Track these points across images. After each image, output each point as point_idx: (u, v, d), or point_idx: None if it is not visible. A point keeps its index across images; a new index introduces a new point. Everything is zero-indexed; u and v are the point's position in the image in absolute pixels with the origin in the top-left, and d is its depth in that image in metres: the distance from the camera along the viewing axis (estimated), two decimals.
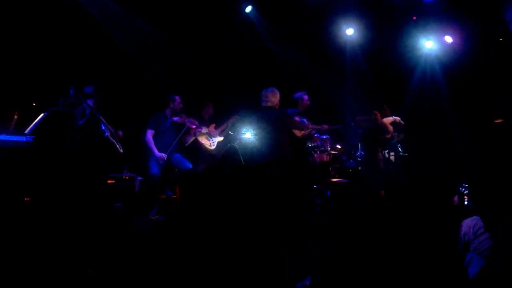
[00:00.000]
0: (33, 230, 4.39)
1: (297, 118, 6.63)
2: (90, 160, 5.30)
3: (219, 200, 1.68)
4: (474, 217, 2.75)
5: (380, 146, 5.81)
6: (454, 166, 7.62)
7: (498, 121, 8.44)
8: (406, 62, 9.00)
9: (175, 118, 6.21)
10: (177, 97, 6.25)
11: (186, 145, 6.53)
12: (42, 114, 4.70)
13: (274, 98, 5.46)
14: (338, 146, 8.02)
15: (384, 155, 6.63)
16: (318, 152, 7.80)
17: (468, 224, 2.80)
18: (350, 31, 8.74)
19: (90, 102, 5.42)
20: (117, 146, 5.70)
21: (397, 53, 8.80)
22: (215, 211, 1.67)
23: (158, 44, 7.28)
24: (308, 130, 6.35)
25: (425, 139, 8.57)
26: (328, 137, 8.21)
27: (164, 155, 5.99)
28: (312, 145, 8.03)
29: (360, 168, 7.56)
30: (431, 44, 9.02)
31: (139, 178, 6.53)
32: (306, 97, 6.72)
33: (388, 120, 6.24)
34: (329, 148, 7.92)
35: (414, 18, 8.61)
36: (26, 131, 4.55)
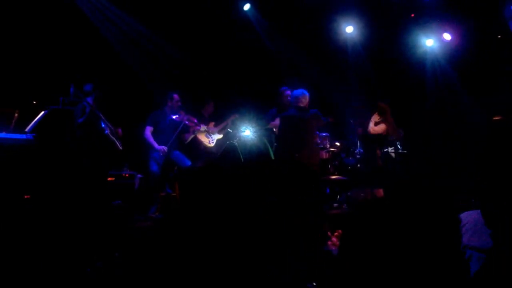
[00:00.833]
0: (33, 228, 4.40)
1: (278, 120, 6.67)
2: (90, 157, 5.32)
3: (219, 198, 1.68)
4: (473, 211, 2.66)
5: (378, 144, 5.83)
6: (455, 165, 7.64)
7: (496, 118, 8.46)
8: (406, 60, 9.02)
9: (174, 116, 6.22)
10: (176, 95, 6.26)
11: (185, 142, 6.55)
12: (42, 112, 4.71)
13: (305, 99, 5.69)
14: (337, 144, 8.03)
15: (383, 152, 6.64)
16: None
17: (467, 217, 2.69)
18: (349, 29, 8.74)
19: (90, 100, 5.44)
20: (117, 143, 5.72)
21: (397, 51, 8.81)
22: (214, 209, 1.67)
23: (157, 43, 7.26)
24: None
25: (426, 137, 8.59)
26: (328, 134, 8.22)
27: (164, 147, 6.01)
28: None
29: (359, 165, 7.58)
30: (431, 42, 9.04)
31: (139, 175, 6.54)
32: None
33: (381, 127, 6.20)
34: (328, 146, 7.94)
35: (412, 15, 8.61)
36: (27, 129, 4.56)
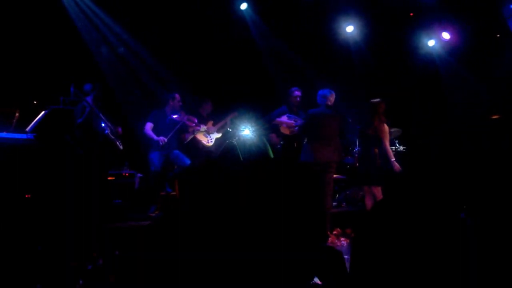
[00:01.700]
0: (33, 226, 4.43)
1: (285, 117, 6.71)
2: (90, 157, 5.34)
3: (218, 197, 1.70)
4: None
5: (376, 143, 5.85)
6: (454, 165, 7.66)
7: (494, 117, 8.49)
8: (405, 60, 9.05)
9: (174, 116, 6.25)
10: (177, 95, 6.29)
11: (185, 142, 6.57)
12: (43, 112, 4.73)
13: (332, 98, 5.86)
14: None
15: (381, 151, 6.65)
16: None
17: None
18: (350, 28, 8.76)
19: (89, 100, 5.47)
20: (117, 143, 5.76)
21: (396, 50, 8.83)
22: (214, 208, 1.69)
23: (155, 42, 7.27)
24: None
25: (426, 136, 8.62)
26: None
27: (163, 138, 6.05)
28: None
29: (357, 164, 7.61)
30: (433, 42, 9.08)
31: (139, 175, 6.57)
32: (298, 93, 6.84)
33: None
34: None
35: (411, 14, 8.63)
36: (27, 129, 4.58)
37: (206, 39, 7.59)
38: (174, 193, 6.36)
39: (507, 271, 1.61)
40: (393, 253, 1.53)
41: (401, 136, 7.68)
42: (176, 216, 1.82)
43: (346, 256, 4.59)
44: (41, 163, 4.58)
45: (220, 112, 7.04)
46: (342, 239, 5.49)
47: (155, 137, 6.06)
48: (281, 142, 6.84)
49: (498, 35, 8.57)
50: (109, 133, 5.66)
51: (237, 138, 6.96)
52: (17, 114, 4.87)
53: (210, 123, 6.86)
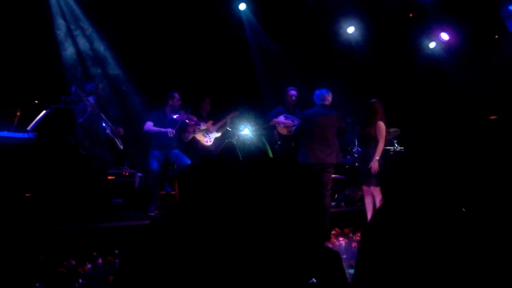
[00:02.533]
0: (34, 225, 4.45)
1: (282, 117, 6.74)
2: (91, 156, 5.37)
3: (218, 196, 1.72)
4: None
5: (374, 142, 5.88)
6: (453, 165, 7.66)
7: (492, 117, 8.51)
8: (405, 60, 9.08)
9: (174, 116, 6.26)
10: (176, 94, 6.30)
11: (186, 141, 6.59)
12: (44, 111, 4.74)
13: (330, 97, 5.77)
14: None
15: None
16: None
17: None
18: (351, 30, 8.79)
19: (91, 99, 5.50)
20: (118, 143, 5.78)
21: (396, 50, 8.86)
22: (213, 207, 1.71)
23: (153, 42, 7.27)
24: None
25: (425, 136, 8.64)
26: None
27: (171, 130, 6.07)
28: None
29: (356, 164, 7.64)
30: (433, 44, 9.13)
31: (139, 174, 6.59)
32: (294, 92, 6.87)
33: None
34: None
35: (411, 15, 8.66)
36: (29, 128, 4.59)
37: (205, 40, 7.60)
38: (174, 192, 6.39)
39: (509, 271, 1.63)
40: (401, 257, 1.56)
41: (400, 136, 7.72)
42: (175, 215, 1.84)
43: (344, 256, 4.63)
44: (42, 162, 4.59)
45: (219, 112, 7.06)
46: (341, 238, 5.53)
47: (162, 129, 6.08)
48: (278, 142, 6.87)
49: (497, 36, 8.60)
50: (110, 133, 5.69)
51: (236, 137, 6.98)
52: (18, 113, 4.88)
53: (210, 122, 6.89)
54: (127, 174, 6.28)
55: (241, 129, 6.88)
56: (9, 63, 5.79)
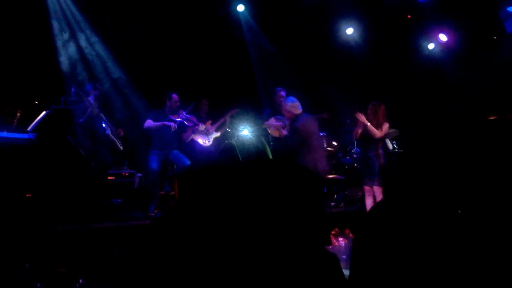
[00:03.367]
0: (34, 225, 4.46)
1: (272, 120, 6.74)
2: (91, 157, 5.38)
3: (217, 197, 1.73)
4: None
5: (374, 143, 5.90)
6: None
7: (492, 118, 8.53)
8: (404, 61, 9.10)
9: (173, 117, 6.27)
10: (174, 95, 6.29)
11: (186, 141, 6.59)
12: (44, 112, 4.76)
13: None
14: (334, 143, 8.11)
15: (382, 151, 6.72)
16: None
17: None
18: (349, 31, 8.80)
19: (91, 100, 5.51)
20: (117, 143, 5.80)
21: (395, 51, 8.88)
22: (213, 208, 1.71)
23: (153, 43, 7.28)
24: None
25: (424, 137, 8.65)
26: (325, 134, 8.30)
27: (174, 124, 6.10)
28: None
29: (355, 164, 7.66)
30: (432, 45, 9.15)
31: (139, 174, 6.59)
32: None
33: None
34: (325, 145, 8.02)
35: (409, 16, 8.68)
36: (29, 129, 4.61)
37: (205, 41, 7.60)
38: (174, 192, 6.39)
39: (507, 271, 1.64)
40: (394, 255, 1.56)
41: (399, 137, 7.74)
42: (175, 216, 1.85)
43: (344, 256, 4.64)
44: (42, 162, 4.60)
45: (219, 113, 7.06)
46: (341, 239, 5.54)
47: (166, 122, 6.11)
48: (271, 143, 6.87)
49: (495, 37, 8.63)
50: (110, 133, 5.70)
51: (236, 138, 6.99)
52: (18, 114, 4.90)
53: (208, 122, 6.86)
54: (127, 174, 6.28)
55: (240, 129, 6.88)
56: (9, 64, 5.80)
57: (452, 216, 1.66)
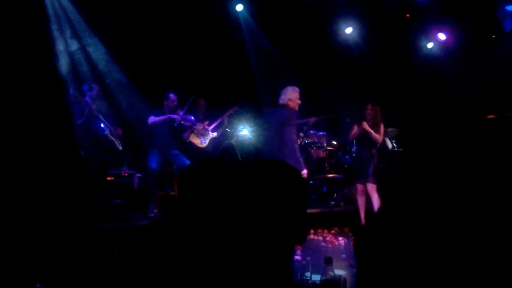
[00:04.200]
0: (33, 224, 4.46)
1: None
2: (90, 157, 5.38)
3: (217, 197, 1.72)
4: None
5: (373, 143, 5.93)
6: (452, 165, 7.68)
7: (491, 116, 8.53)
8: (403, 60, 9.11)
9: (172, 116, 6.27)
10: (171, 95, 6.28)
11: (186, 141, 6.58)
12: (44, 112, 4.76)
13: (284, 96, 5.18)
14: (334, 142, 8.13)
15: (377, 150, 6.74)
16: (315, 148, 7.91)
17: None
18: (349, 30, 8.81)
19: (89, 101, 5.52)
20: (116, 143, 5.80)
21: (395, 50, 8.88)
22: (213, 208, 1.71)
23: (151, 42, 7.27)
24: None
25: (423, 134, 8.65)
26: (325, 133, 8.32)
27: (177, 116, 6.13)
28: (309, 141, 8.14)
29: (355, 164, 7.67)
30: (431, 45, 9.16)
31: (138, 174, 6.59)
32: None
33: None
34: (325, 144, 8.04)
35: (408, 15, 8.69)
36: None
37: (204, 40, 7.60)
38: (173, 193, 6.39)
39: (507, 271, 1.64)
40: (397, 255, 1.57)
41: (399, 136, 7.75)
42: (175, 216, 1.84)
43: (343, 255, 4.65)
44: (42, 163, 4.60)
45: (219, 113, 7.06)
46: (340, 238, 5.55)
47: (171, 115, 6.14)
48: None
49: (494, 36, 8.64)
50: (108, 134, 5.70)
51: (235, 138, 6.98)
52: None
53: (205, 123, 6.84)
54: (126, 174, 6.28)
55: (240, 129, 6.88)
56: (8, 64, 5.79)
57: (452, 216, 1.67)
